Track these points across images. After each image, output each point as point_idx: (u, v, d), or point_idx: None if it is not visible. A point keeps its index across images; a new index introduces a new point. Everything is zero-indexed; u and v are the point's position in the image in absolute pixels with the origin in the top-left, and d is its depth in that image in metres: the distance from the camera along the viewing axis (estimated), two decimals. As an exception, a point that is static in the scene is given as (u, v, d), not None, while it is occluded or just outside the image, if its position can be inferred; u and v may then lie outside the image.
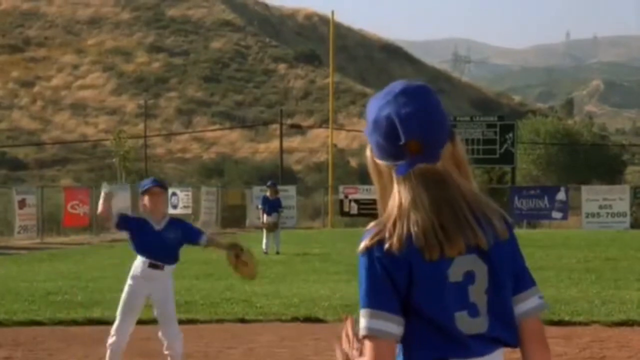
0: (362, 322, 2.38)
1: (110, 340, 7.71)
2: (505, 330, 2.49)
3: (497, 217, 2.48)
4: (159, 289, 7.65)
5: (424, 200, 2.40)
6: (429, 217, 2.39)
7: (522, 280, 2.54)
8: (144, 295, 7.67)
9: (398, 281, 2.39)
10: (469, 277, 2.44)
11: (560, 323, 11.11)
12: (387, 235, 2.39)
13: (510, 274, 2.51)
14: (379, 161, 2.48)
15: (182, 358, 7.84)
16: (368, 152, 2.52)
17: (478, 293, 2.45)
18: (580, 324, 11.25)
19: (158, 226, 7.67)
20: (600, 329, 10.99)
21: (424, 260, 2.38)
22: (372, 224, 2.46)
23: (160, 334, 7.81)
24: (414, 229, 2.38)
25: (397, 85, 2.49)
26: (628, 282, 15.80)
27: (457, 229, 2.40)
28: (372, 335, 2.36)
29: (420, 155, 2.41)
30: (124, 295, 7.75)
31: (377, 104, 2.47)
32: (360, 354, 2.50)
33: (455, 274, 2.42)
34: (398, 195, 2.43)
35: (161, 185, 7.85)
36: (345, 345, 2.58)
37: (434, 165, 2.43)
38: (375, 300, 2.38)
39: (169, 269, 7.73)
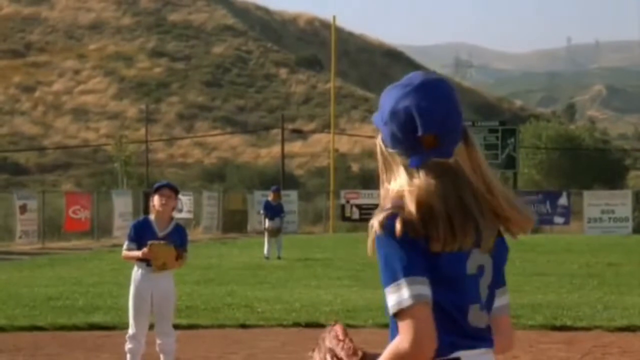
0: (404, 292, 2.29)
1: (128, 346, 7.89)
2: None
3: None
4: (161, 287, 7.74)
5: (434, 190, 2.35)
6: (440, 207, 2.34)
7: (503, 275, 2.55)
8: (149, 295, 7.74)
9: (423, 252, 2.34)
10: (481, 270, 2.44)
11: (562, 328, 11.09)
12: (408, 217, 2.34)
13: (502, 271, 2.54)
14: (390, 150, 2.44)
15: (173, 355, 7.98)
16: (379, 140, 2.48)
17: (484, 287, 2.46)
18: (582, 329, 11.21)
19: (161, 233, 7.71)
20: (602, 334, 10.95)
21: (444, 251, 2.35)
22: (384, 207, 2.42)
23: (156, 331, 7.89)
24: (426, 218, 2.33)
25: (416, 77, 2.45)
26: (630, 287, 15.76)
27: (465, 222, 2.36)
28: (417, 302, 2.29)
29: (435, 149, 2.39)
30: (130, 300, 7.83)
31: (396, 95, 2.43)
32: (354, 353, 2.47)
33: (471, 266, 2.40)
34: (407, 182, 2.38)
35: (172, 187, 8.00)
36: (332, 342, 2.55)
37: (446, 160, 2.41)
38: (409, 268, 2.31)
39: None
